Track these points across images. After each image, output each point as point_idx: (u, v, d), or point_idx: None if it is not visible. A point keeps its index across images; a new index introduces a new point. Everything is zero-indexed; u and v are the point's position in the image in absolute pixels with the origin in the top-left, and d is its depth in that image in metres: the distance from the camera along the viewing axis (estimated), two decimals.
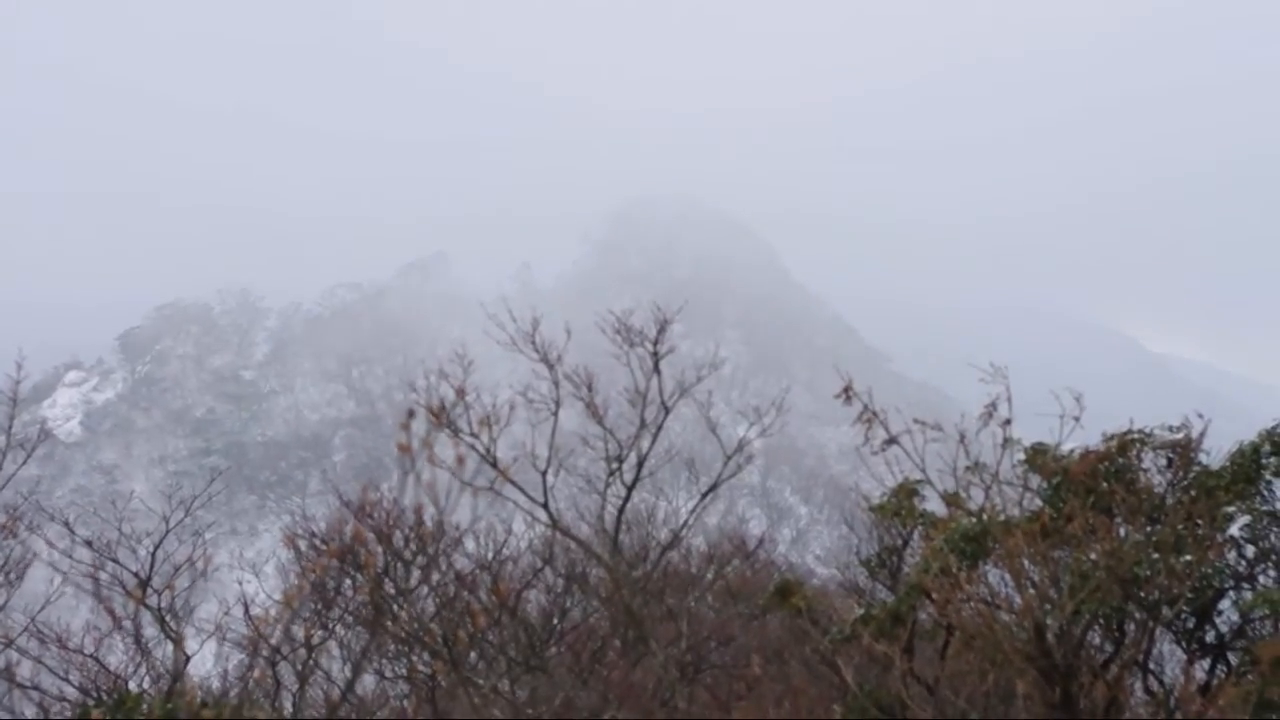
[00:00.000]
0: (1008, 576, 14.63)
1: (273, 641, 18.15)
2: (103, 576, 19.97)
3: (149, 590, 19.60)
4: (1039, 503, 16.74)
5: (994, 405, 15.35)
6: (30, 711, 20.45)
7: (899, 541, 22.54)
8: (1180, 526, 15.55)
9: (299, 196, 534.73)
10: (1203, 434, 17.33)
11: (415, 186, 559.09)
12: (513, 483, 17.45)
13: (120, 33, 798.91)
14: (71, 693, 20.14)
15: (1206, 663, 17.57)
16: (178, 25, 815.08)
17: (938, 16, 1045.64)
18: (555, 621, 23.91)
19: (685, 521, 25.89)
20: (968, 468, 15.40)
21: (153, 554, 20.79)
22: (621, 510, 22.03)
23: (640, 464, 21.71)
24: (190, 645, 19.46)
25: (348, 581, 18.65)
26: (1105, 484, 16.64)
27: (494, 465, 16.86)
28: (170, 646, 18.98)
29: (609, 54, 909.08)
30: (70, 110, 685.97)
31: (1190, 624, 17.62)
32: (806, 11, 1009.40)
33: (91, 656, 20.40)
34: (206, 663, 20.17)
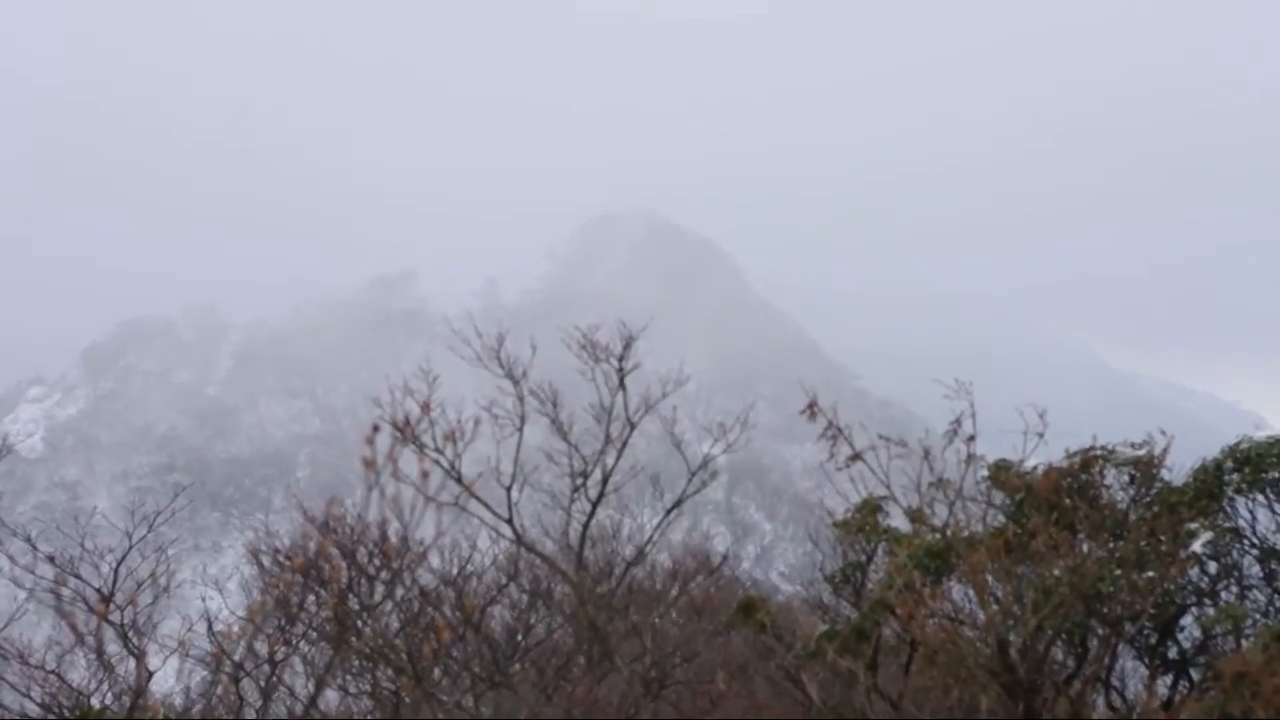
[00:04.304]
0: (971, 592, 14.69)
1: (236, 658, 18.10)
2: (65, 592, 19.80)
3: (112, 606, 19.47)
4: (1002, 519, 16.79)
5: (958, 422, 15.39)
6: None
7: (863, 558, 22.57)
8: (1143, 543, 15.61)
9: (261, 214, 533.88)
10: (1165, 451, 17.40)
11: (380, 200, 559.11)
12: (477, 498, 17.44)
13: (76, 45, 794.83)
14: (33, 709, 20.02)
15: (1169, 679, 17.65)
16: (135, 39, 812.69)
17: (917, 14, 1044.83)
18: (520, 637, 23.87)
19: (650, 538, 25.88)
20: (932, 484, 15.43)
21: (115, 570, 20.65)
22: (586, 526, 22.01)
23: (605, 480, 21.71)
24: (153, 661, 19.35)
25: (311, 597, 18.59)
26: (1068, 500, 16.69)
27: (459, 481, 16.83)
28: (133, 663, 18.86)
29: (573, 67, 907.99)
30: (32, 122, 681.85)
31: (1153, 640, 17.70)
32: (779, 18, 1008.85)
33: (53, 673, 20.28)
34: (169, 679, 20.07)
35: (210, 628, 21.01)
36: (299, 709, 20.21)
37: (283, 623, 18.90)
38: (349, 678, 22.41)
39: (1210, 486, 17.78)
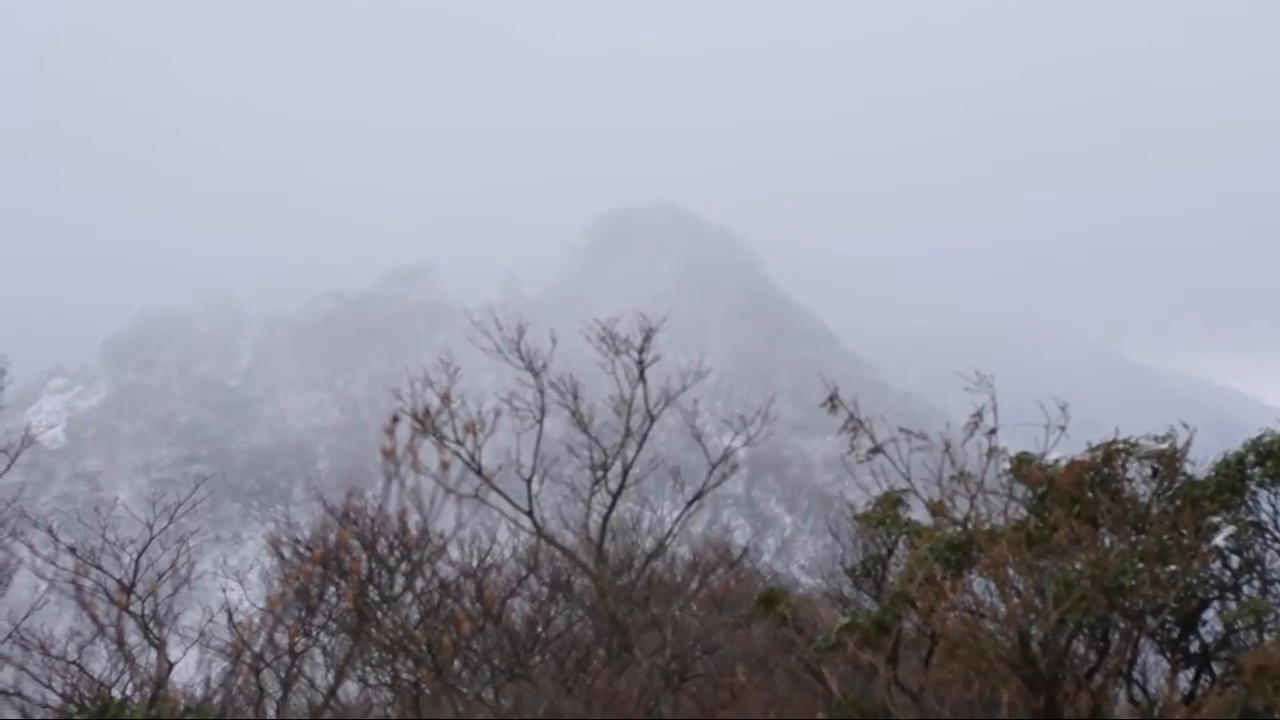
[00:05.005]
0: (992, 585, 14.66)
1: (256, 649, 18.12)
2: (86, 583, 19.84)
3: (132, 597, 19.51)
4: (1024, 512, 16.76)
5: (979, 415, 15.37)
6: (13, 718, 20.38)
7: (884, 550, 22.54)
8: (1165, 536, 15.56)
9: (277, 206, 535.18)
10: (1188, 444, 17.35)
11: (399, 195, 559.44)
12: (497, 490, 17.44)
13: (95, 36, 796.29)
14: (54, 699, 20.08)
15: (1191, 673, 17.59)
16: (152, 37, 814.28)
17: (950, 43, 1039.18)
18: (540, 629, 23.87)
19: (670, 530, 25.83)
20: (953, 477, 15.40)
21: (136, 561, 20.70)
22: (606, 519, 21.99)
23: (625, 472, 21.67)
24: (174, 652, 19.41)
25: (332, 588, 18.60)
26: (1090, 493, 16.66)
27: (479, 472, 16.84)
28: (154, 653, 18.90)
29: (592, 63, 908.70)
30: (49, 118, 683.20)
31: (1174, 634, 17.63)
32: (796, 25, 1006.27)
33: (74, 663, 20.35)
34: (190, 670, 20.10)
35: (230, 619, 21.07)
36: (319, 700, 20.23)
37: (303, 614, 18.92)
38: (369, 669, 22.43)
39: (1233, 480, 17.70)
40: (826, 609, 25.89)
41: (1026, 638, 13.67)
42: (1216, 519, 17.34)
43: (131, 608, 19.27)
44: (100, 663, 20.56)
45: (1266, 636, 16.65)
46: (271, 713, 18.92)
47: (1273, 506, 17.94)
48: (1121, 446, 17.69)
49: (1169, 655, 17.73)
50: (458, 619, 20.35)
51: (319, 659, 21.20)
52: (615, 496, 21.71)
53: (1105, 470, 17.37)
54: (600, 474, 21.57)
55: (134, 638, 19.41)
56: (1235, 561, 18.07)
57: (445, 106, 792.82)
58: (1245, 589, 18.01)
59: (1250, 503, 18.00)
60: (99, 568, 20.41)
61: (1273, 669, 13.72)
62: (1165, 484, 17.42)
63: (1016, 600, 14.00)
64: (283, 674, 18.82)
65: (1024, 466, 17.56)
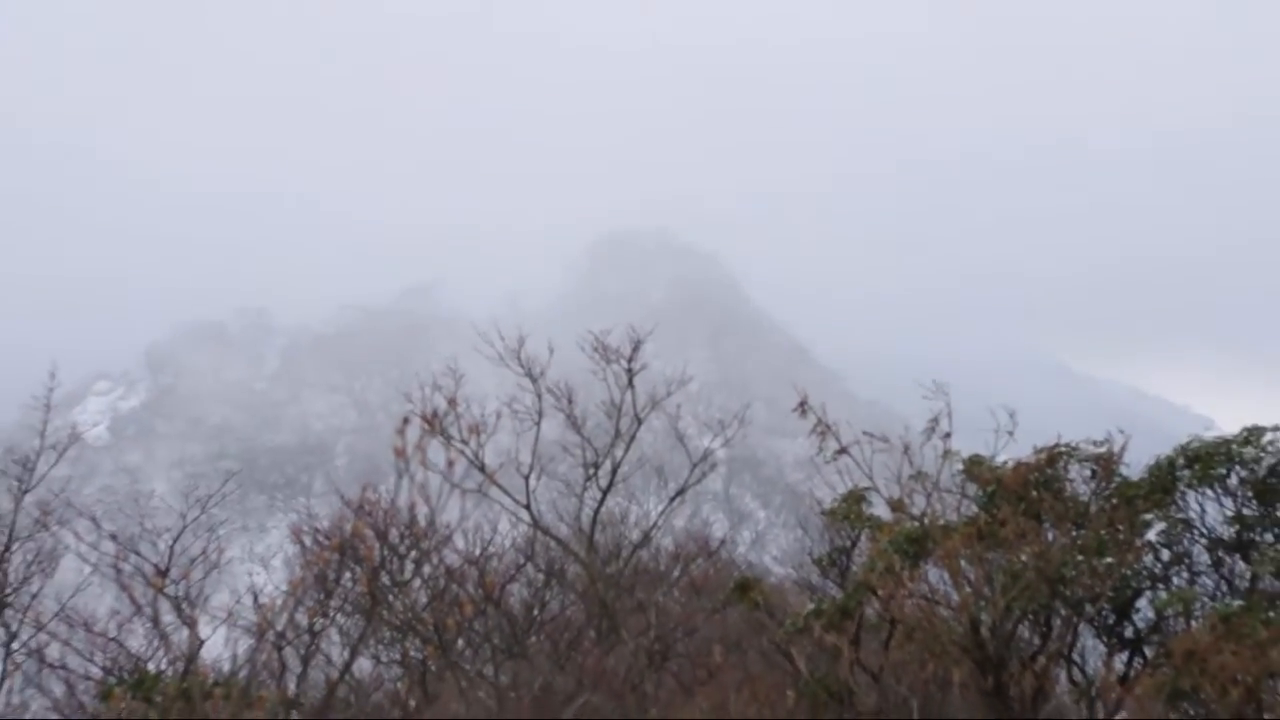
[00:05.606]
0: (946, 575, 14.64)
1: (278, 627, 18.06)
2: (125, 567, 19.77)
3: (167, 580, 19.45)
4: (975, 509, 16.74)
5: (936, 421, 15.37)
6: (59, 689, 20.32)
7: (848, 543, 22.51)
8: (1103, 532, 15.56)
9: (303, 226, 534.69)
10: (1124, 448, 17.35)
11: (416, 212, 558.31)
12: (499, 486, 17.44)
13: (129, 53, 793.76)
14: (96, 672, 20.02)
15: (1125, 656, 17.60)
16: (182, 42, 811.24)
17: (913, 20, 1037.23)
18: (535, 612, 23.79)
19: (655, 523, 25.85)
20: (911, 476, 15.41)
21: (171, 547, 20.64)
22: (597, 512, 21.99)
23: (615, 470, 21.69)
24: (204, 630, 19.31)
25: (347, 574, 18.54)
26: (1035, 492, 16.64)
27: (482, 469, 16.82)
28: (186, 631, 18.83)
29: (591, 70, 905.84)
30: (85, 139, 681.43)
31: (1111, 620, 17.64)
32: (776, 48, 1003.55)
33: (114, 640, 20.27)
34: (218, 646, 20.02)
35: (255, 600, 20.97)
36: (334, 675, 20.17)
37: (321, 596, 18.84)
38: (380, 647, 22.37)
39: (1164, 481, 17.72)
40: (796, 596, 25.82)
41: (976, 623, 13.66)
42: (1149, 516, 17.36)
43: (166, 590, 19.20)
44: (138, 639, 20.47)
45: (1194, 623, 16.66)
46: (292, 685, 18.86)
47: (1199, 505, 18.01)
48: (1063, 450, 17.69)
49: (1106, 640, 17.74)
50: (461, 602, 20.31)
51: (335, 637, 21.11)
52: (605, 492, 21.73)
53: (1049, 472, 17.37)
54: (592, 471, 21.59)
55: (168, 617, 19.33)
56: (1166, 555, 18.12)
57: (448, 114, 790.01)
58: (1174, 580, 18.05)
59: (1179, 502, 18.06)
60: (137, 553, 20.34)
61: (1199, 653, 13.72)
62: (1103, 484, 17.42)
63: (968, 589, 13.99)
64: (302, 651, 18.73)
65: (975, 468, 17.55)
